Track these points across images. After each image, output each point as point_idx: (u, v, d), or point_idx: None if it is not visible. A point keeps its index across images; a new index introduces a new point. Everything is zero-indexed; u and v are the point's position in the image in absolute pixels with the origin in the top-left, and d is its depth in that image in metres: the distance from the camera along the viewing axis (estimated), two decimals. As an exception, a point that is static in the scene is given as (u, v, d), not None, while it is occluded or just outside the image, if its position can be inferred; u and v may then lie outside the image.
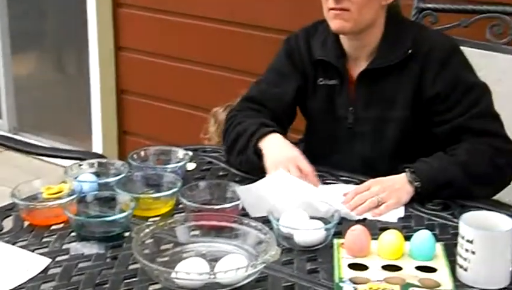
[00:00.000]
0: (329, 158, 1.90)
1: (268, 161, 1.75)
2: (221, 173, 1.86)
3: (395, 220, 1.61)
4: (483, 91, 1.81)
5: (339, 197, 1.67)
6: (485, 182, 1.71)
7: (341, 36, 1.86)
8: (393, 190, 1.66)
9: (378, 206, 1.64)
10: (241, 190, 1.60)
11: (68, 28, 3.83)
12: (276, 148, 1.76)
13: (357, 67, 1.86)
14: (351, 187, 1.72)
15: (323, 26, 1.87)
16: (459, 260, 1.38)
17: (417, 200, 1.67)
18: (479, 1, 2.32)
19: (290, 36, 1.97)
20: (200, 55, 3.12)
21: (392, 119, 1.83)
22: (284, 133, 1.88)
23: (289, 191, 1.61)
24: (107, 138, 3.51)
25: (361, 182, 1.72)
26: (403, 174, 1.69)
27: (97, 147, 3.56)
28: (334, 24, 1.79)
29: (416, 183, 1.67)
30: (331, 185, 1.76)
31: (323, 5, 1.80)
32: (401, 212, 1.64)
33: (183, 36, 3.14)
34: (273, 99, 1.92)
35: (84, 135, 3.66)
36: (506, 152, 1.75)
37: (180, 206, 1.63)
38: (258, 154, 1.77)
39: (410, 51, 1.80)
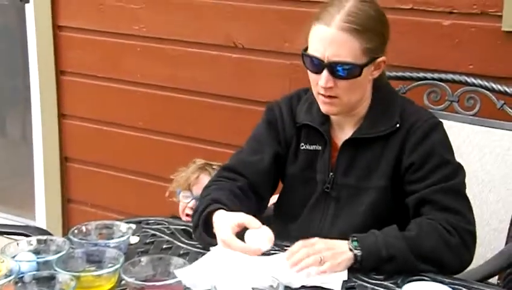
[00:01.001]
0: (300, 220, 1.90)
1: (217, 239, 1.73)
2: (165, 246, 1.84)
3: (339, 288, 1.61)
4: (457, 170, 1.80)
5: (280, 266, 1.66)
6: (433, 260, 1.67)
7: None
8: (336, 252, 1.66)
9: (320, 264, 1.63)
10: (180, 272, 1.57)
11: (11, 95, 3.79)
12: (216, 229, 1.74)
13: (342, 134, 1.88)
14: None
15: (308, 94, 1.89)
16: (403, 333, 1.38)
17: (361, 271, 1.67)
18: (417, 68, 2.39)
19: (272, 104, 1.98)
20: (144, 122, 3.12)
21: (369, 189, 1.83)
22: (263, 202, 1.90)
23: (229, 265, 1.60)
24: (51, 206, 3.45)
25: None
26: (346, 241, 1.69)
27: (40, 215, 3.49)
28: (323, 108, 1.83)
29: (356, 252, 1.67)
30: (273, 255, 1.75)
31: (312, 85, 1.82)
32: (344, 275, 1.64)
33: (127, 103, 3.14)
34: (249, 167, 1.91)
35: (27, 203, 3.58)
36: (463, 232, 1.71)
37: (123, 282, 1.60)
38: (208, 231, 1.76)
39: (398, 125, 1.82)
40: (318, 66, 1.77)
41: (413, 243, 1.67)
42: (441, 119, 2.13)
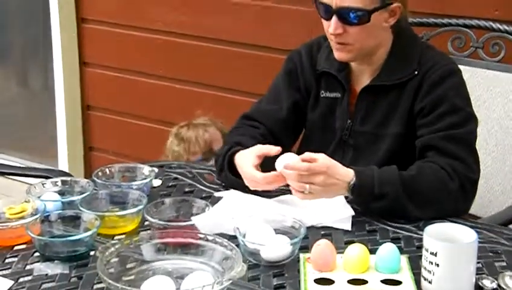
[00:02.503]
0: None
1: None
2: (187, 189, 1.85)
3: (349, 227, 1.63)
4: (467, 118, 1.78)
5: (290, 206, 1.68)
6: (426, 202, 1.66)
7: None
8: (331, 189, 1.65)
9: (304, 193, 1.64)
10: (197, 220, 1.59)
11: (33, 43, 3.80)
12: (238, 167, 1.77)
13: (361, 82, 1.87)
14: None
15: (328, 42, 1.88)
16: (424, 273, 1.39)
17: (354, 203, 1.68)
18: (441, 14, 2.35)
19: (293, 53, 1.98)
20: (165, 70, 3.12)
21: (386, 136, 1.83)
22: (283, 148, 1.86)
23: (241, 210, 1.63)
24: (72, 154, 3.48)
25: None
26: (350, 177, 1.66)
27: (63, 163, 3.52)
28: (336, 54, 1.82)
29: (351, 185, 1.66)
30: (286, 195, 1.76)
31: (326, 32, 1.81)
32: (350, 213, 1.66)
33: (148, 51, 3.14)
34: (267, 116, 1.93)
35: (50, 151, 3.62)
36: (464, 179, 1.69)
37: (146, 223, 1.62)
38: (233, 172, 1.79)
39: (416, 72, 1.80)
40: (328, 12, 1.76)
41: (409, 182, 1.66)
42: (465, 66, 2.13)
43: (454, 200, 1.69)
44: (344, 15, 1.74)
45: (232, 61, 2.94)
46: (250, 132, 1.90)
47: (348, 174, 1.67)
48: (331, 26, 1.76)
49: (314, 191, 1.64)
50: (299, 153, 1.99)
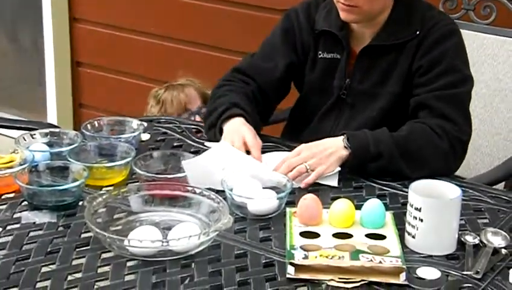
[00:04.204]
0: (313, 124, 1.92)
1: (222, 138, 1.76)
2: (175, 144, 1.86)
3: (336, 183, 1.64)
4: (464, 79, 1.78)
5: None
6: (419, 162, 1.67)
7: None
8: (324, 155, 1.66)
9: (307, 172, 1.64)
10: (186, 163, 1.60)
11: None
12: (232, 128, 1.77)
13: (360, 42, 1.85)
14: None
15: (327, 1, 1.86)
16: (408, 228, 1.41)
17: (348, 168, 1.68)
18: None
19: (290, 11, 1.95)
20: (156, 28, 3.10)
21: (384, 94, 1.83)
22: (270, 108, 1.93)
23: (231, 162, 1.63)
24: (62, 110, 3.47)
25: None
26: (339, 138, 1.69)
27: (52, 120, 3.51)
28: (343, 15, 1.79)
29: (346, 144, 1.67)
30: (277, 152, 1.77)
31: None
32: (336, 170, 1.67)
33: (139, 8, 3.11)
34: (262, 73, 1.92)
35: (39, 107, 3.61)
36: (454, 139, 1.71)
37: (134, 176, 1.63)
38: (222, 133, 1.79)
39: (418, 32, 1.80)
40: None
41: (401, 142, 1.68)
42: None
43: (445, 160, 1.70)
44: None
45: (224, 20, 2.92)
46: (241, 89, 1.89)
47: (335, 138, 1.69)
48: None
49: (313, 164, 1.64)
50: (292, 113, 2.01)
